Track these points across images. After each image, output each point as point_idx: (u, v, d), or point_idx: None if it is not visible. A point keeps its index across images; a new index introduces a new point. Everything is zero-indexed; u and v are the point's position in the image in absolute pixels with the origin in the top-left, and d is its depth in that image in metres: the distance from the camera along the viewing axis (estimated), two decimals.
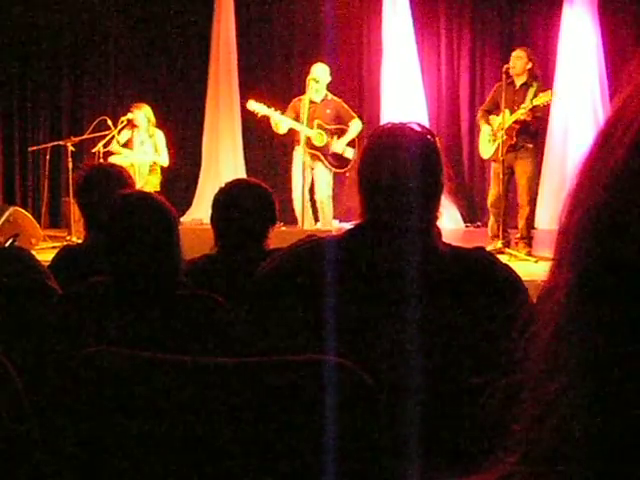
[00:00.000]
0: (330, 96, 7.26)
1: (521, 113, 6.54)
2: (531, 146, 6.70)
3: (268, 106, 7.18)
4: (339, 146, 7.16)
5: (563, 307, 0.49)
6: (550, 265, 0.52)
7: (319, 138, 7.14)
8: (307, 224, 7.11)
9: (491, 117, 6.88)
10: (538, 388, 0.50)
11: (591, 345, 0.47)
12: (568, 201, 0.50)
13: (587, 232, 0.48)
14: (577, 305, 0.48)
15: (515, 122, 6.59)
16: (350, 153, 7.13)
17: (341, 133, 7.20)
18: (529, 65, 6.73)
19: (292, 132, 7.17)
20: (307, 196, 7.16)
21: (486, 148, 6.93)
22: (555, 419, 0.48)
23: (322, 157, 7.17)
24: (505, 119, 6.63)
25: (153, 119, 7.67)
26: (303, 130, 7.02)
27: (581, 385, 0.47)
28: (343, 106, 7.29)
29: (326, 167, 7.18)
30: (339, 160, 7.18)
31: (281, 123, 7.08)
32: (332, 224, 7.22)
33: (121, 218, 2.19)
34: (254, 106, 7.25)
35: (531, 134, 6.71)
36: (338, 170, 7.19)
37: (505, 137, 6.61)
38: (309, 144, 7.10)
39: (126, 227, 2.17)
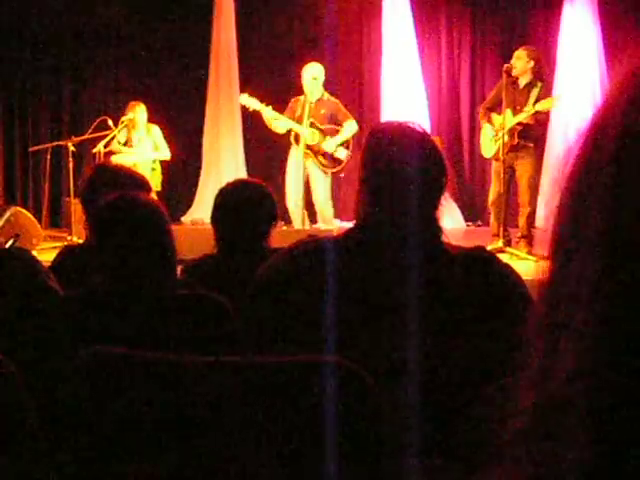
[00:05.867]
0: (326, 96, 7.15)
1: (524, 117, 6.55)
2: (532, 146, 6.71)
3: (260, 101, 7.12)
4: (330, 145, 7.04)
5: (584, 298, 0.49)
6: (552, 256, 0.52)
7: (311, 136, 7.07)
8: (298, 224, 7.04)
9: (493, 115, 6.87)
10: (546, 384, 0.50)
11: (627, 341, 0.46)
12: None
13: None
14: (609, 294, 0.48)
15: (518, 123, 6.60)
16: (342, 154, 7.01)
17: (335, 133, 7.08)
18: (531, 64, 6.68)
19: (289, 132, 7.12)
20: (300, 194, 7.06)
21: (488, 147, 6.93)
22: (568, 417, 0.48)
23: (312, 155, 7.09)
24: (507, 119, 6.63)
25: (146, 117, 7.69)
26: (294, 127, 6.96)
27: (606, 384, 0.47)
28: (339, 107, 7.16)
29: (318, 167, 7.11)
30: (331, 160, 7.09)
31: (273, 120, 7.02)
32: (334, 223, 7.18)
33: (110, 222, 2.19)
34: (245, 100, 7.18)
35: (532, 134, 6.72)
36: (331, 170, 7.11)
37: (507, 137, 6.62)
38: (300, 142, 7.05)
39: (115, 231, 2.17)
